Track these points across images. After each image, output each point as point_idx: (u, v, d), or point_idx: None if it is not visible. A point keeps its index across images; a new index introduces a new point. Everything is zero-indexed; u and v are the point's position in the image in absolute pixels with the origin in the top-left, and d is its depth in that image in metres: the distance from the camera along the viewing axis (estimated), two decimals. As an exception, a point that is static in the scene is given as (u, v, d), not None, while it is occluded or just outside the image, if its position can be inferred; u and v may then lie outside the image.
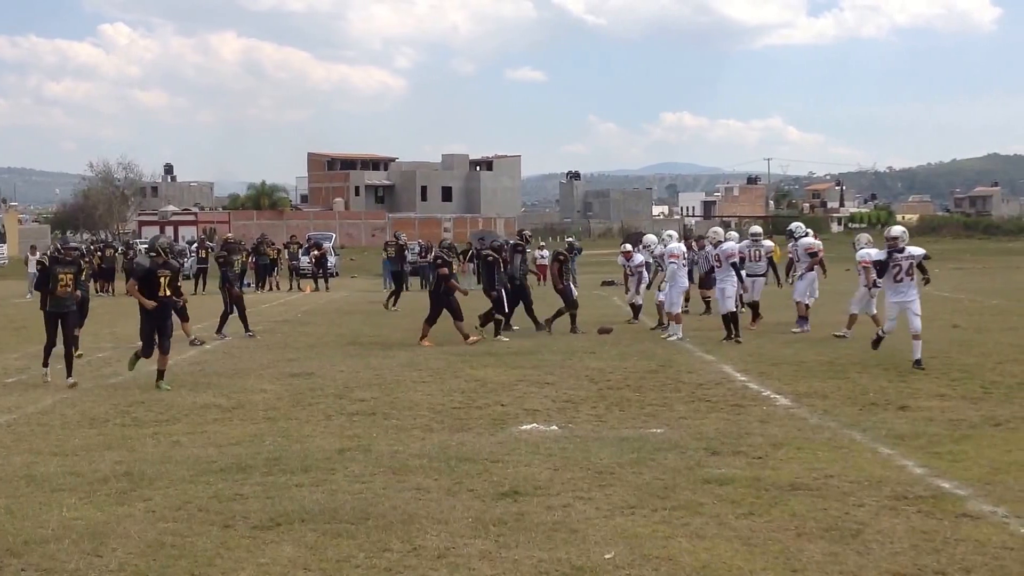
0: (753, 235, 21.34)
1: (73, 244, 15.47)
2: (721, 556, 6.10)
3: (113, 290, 37.01)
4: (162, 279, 13.43)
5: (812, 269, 19.42)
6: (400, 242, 33.12)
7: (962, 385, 12.36)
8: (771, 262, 21.94)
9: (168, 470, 8.54)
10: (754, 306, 20.44)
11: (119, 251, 40.32)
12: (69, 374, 13.64)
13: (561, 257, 21.17)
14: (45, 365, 14.15)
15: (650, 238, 22.60)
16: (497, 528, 6.72)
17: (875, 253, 15.88)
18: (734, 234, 20.89)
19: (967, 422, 10.07)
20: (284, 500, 7.53)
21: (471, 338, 17.95)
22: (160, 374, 13.37)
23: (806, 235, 20.31)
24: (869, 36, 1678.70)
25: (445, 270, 18.70)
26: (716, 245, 18.52)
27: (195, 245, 43.78)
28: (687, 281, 19.08)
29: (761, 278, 20.82)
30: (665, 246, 19.83)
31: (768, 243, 21.85)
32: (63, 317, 14.01)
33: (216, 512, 7.22)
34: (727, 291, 17.78)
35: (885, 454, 8.71)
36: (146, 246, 14.60)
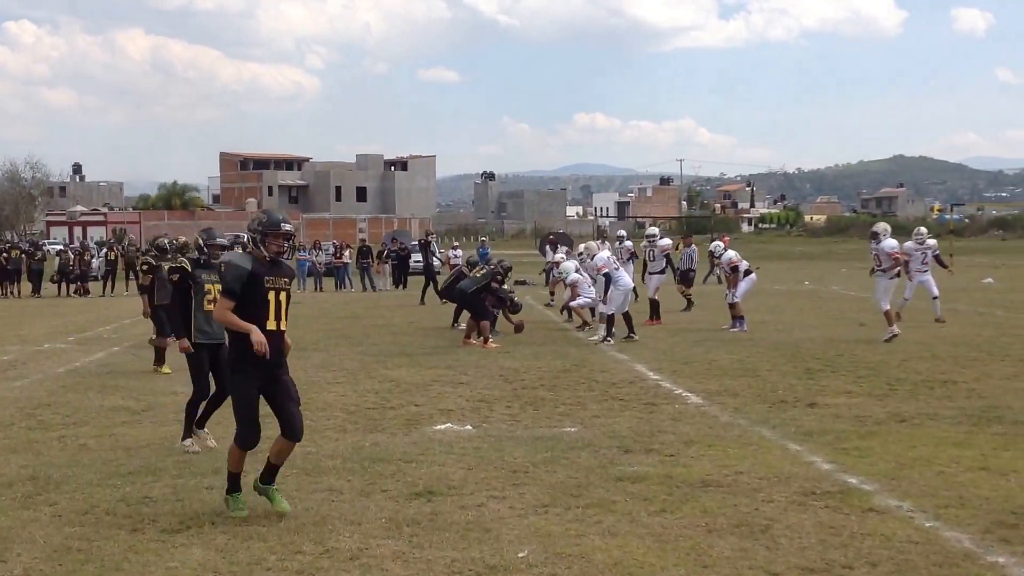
0: (649, 236, 22.65)
1: None
2: (633, 553, 6.15)
3: (18, 292, 36.25)
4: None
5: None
6: (426, 238, 34.87)
7: (868, 382, 12.61)
8: (669, 260, 22.69)
9: (75, 474, 8.37)
10: (653, 304, 21.03)
11: (25, 252, 39.38)
12: None
13: (499, 278, 19.09)
14: None
15: (591, 246, 21.55)
16: (411, 528, 6.69)
17: (909, 245, 19.77)
18: (605, 246, 21.52)
19: (873, 418, 10.28)
20: (194, 503, 7.43)
21: (489, 341, 17.53)
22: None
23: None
24: (778, 39, 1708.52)
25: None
26: (592, 258, 18.74)
27: (104, 248, 43.05)
28: (629, 281, 18.89)
29: (659, 275, 21.69)
30: (591, 258, 19.32)
31: (665, 241, 22.68)
32: None
33: (124, 516, 7.10)
34: (609, 296, 17.85)
35: (794, 450, 8.85)
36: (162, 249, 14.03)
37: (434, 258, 32.75)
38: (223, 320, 7.06)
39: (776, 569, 5.85)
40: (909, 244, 20.60)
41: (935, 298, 20.43)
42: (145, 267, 15.48)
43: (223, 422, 9.07)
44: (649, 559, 6.04)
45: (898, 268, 17.38)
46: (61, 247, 42.67)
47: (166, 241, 13.70)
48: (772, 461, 8.43)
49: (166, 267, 15.04)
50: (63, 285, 36.84)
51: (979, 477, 7.78)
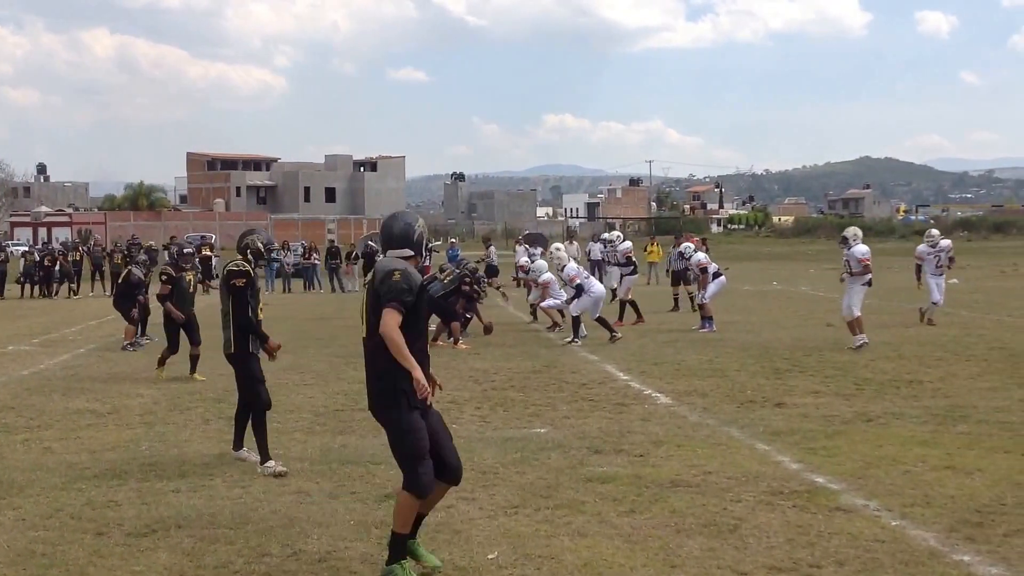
0: (609, 240, 23.48)
1: None
2: (603, 554, 6.16)
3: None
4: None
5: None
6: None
7: (835, 382, 12.68)
8: (631, 260, 22.57)
9: (39, 477, 8.30)
10: (622, 305, 21.25)
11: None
12: None
13: (467, 281, 19.06)
14: None
15: (559, 255, 20.11)
16: (379, 530, 6.66)
17: (922, 249, 20.15)
18: (574, 246, 21.79)
19: (840, 418, 10.34)
20: (160, 506, 7.38)
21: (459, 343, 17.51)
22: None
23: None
24: (745, 40, 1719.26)
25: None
26: (562, 269, 18.57)
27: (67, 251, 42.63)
28: (601, 288, 18.78)
29: (630, 276, 21.83)
30: (561, 269, 18.82)
31: (626, 245, 22.74)
32: None
33: (89, 519, 7.04)
34: (578, 301, 17.86)
35: (762, 450, 8.89)
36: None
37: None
38: (395, 341, 5.64)
39: (744, 568, 5.87)
40: (922, 248, 20.26)
41: (935, 303, 19.77)
42: (164, 276, 14.67)
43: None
44: (618, 559, 6.05)
45: (869, 275, 16.70)
46: (26, 248, 42.22)
47: (191, 248, 12.73)
48: (740, 461, 8.46)
49: (189, 276, 14.79)
50: (27, 287, 36.49)
51: (944, 476, 7.84)
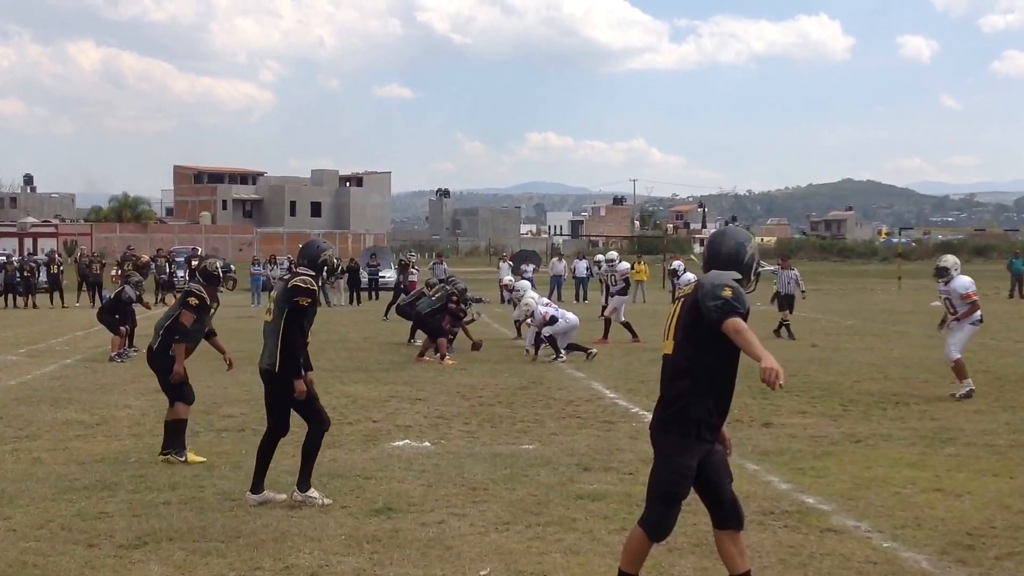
0: (608, 260, 23.14)
1: None
2: (594, 571, 6.17)
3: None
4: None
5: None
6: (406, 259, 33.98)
7: (822, 403, 12.73)
8: (627, 281, 22.86)
9: (29, 488, 8.27)
10: (607, 322, 21.41)
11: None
12: None
13: (455, 299, 18.94)
14: None
15: (523, 284, 20.53)
16: (371, 545, 6.67)
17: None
18: (562, 263, 21.62)
19: (828, 439, 10.38)
20: (151, 518, 7.35)
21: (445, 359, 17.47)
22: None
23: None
24: (728, 62, 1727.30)
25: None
26: (532, 315, 18.19)
27: (47, 262, 42.43)
28: (575, 319, 18.56)
29: (619, 296, 21.89)
30: (532, 316, 18.29)
31: (623, 266, 22.89)
32: None
33: (80, 531, 7.01)
34: (555, 327, 17.84)
35: (751, 470, 8.91)
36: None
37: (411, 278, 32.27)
38: (743, 334, 5.01)
39: (737, 588, 5.87)
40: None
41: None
42: (195, 301, 10.29)
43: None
44: (611, 577, 6.05)
45: (978, 312, 13.54)
46: (4, 259, 41.99)
47: (218, 264, 10.55)
48: (730, 480, 8.47)
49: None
50: (10, 297, 36.30)
51: (934, 498, 7.88)
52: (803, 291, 23.63)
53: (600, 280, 27.80)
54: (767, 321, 22.63)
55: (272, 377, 7.95)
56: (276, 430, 8.05)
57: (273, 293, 8.43)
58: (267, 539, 6.83)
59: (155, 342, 9.72)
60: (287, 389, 7.85)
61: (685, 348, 5.27)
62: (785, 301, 22.68)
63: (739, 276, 5.31)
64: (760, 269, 5.51)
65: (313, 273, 8.16)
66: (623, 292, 22.18)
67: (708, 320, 5.10)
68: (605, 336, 20.95)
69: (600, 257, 27.19)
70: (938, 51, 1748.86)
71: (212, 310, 9.97)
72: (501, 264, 43.29)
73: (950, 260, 13.78)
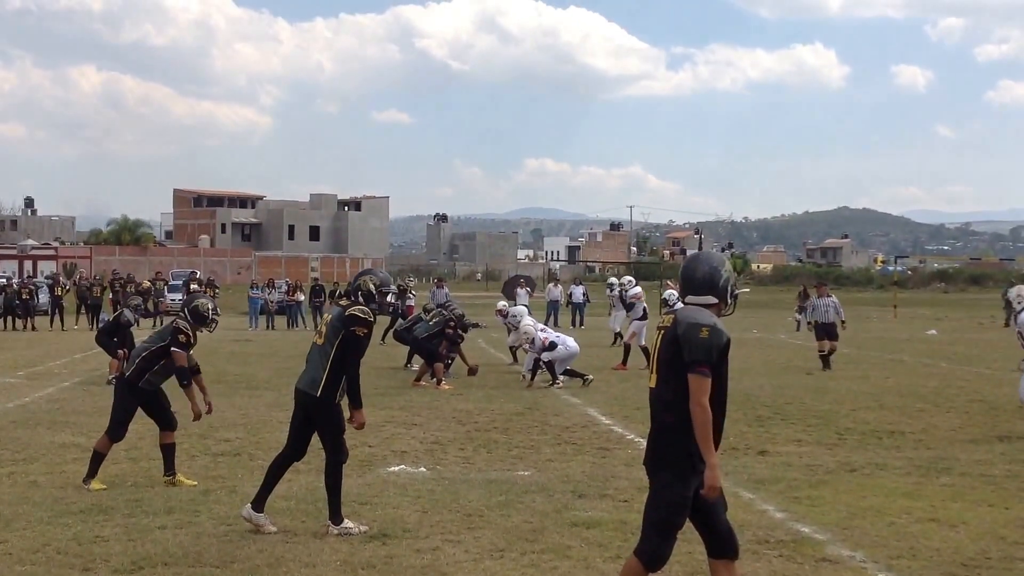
0: (623, 284, 23.39)
1: None
2: (590, 599, 6.17)
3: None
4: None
5: None
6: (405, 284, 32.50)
7: (817, 431, 12.74)
8: (646, 308, 22.70)
9: (25, 511, 8.27)
10: (627, 348, 21.49)
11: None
12: None
13: (452, 324, 18.87)
14: None
15: (519, 310, 20.11)
16: (366, 571, 6.68)
17: None
18: (559, 289, 21.57)
19: (823, 467, 10.39)
20: (147, 543, 7.36)
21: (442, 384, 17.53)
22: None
23: None
24: (724, 90, 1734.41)
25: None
26: (531, 342, 17.91)
27: (51, 282, 42.53)
28: (576, 347, 18.50)
29: (640, 321, 21.58)
30: (531, 343, 18.05)
31: (637, 290, 22.74)
32: None
33: (76, 555, 7.02)
34: (554, 353, 17.80)
35: (746, 498, 8.92)
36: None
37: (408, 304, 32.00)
38: (702, 419, 5.13)
39: (731, 616, 5.88)
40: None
41: None
42: (183, 337, 9.82)
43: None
44: (606, 605, 6.06)
45: None
46: (4, 281, 42.03)
47: (209, 307, 10.01)
48: (725, 508, 8.48)
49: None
50: (9, 319, 36.33)
51: (930, 528, 7.89)
52: (843, 320, 22.26)
53: (611, 303, 27.81)
54: (807, 360, 22.73)
55: (307, 399, 7.87)
56: (292, 455, 8.03)
57: (326, 316, 8.28)
58: (262, 564, 6.84)
59: (128, 369, 9.73)
60: (321, 415, 7.85)
61: (669, 382, 5.28)
62: (824, 330, 21.34)
63: (715, 300, 5.37)
64: (737, 292, 5.51)
65: (372, 306, 8.01)
66: (643, 318, 21.71)
67: (686, 361, 5.17)
68: (624, 362, 20.88)
69: (613, 280, 27.33)
70: (933, 80, 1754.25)
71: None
72: (518, 291, 41.47)
73: (1012, 293, 12.99)
